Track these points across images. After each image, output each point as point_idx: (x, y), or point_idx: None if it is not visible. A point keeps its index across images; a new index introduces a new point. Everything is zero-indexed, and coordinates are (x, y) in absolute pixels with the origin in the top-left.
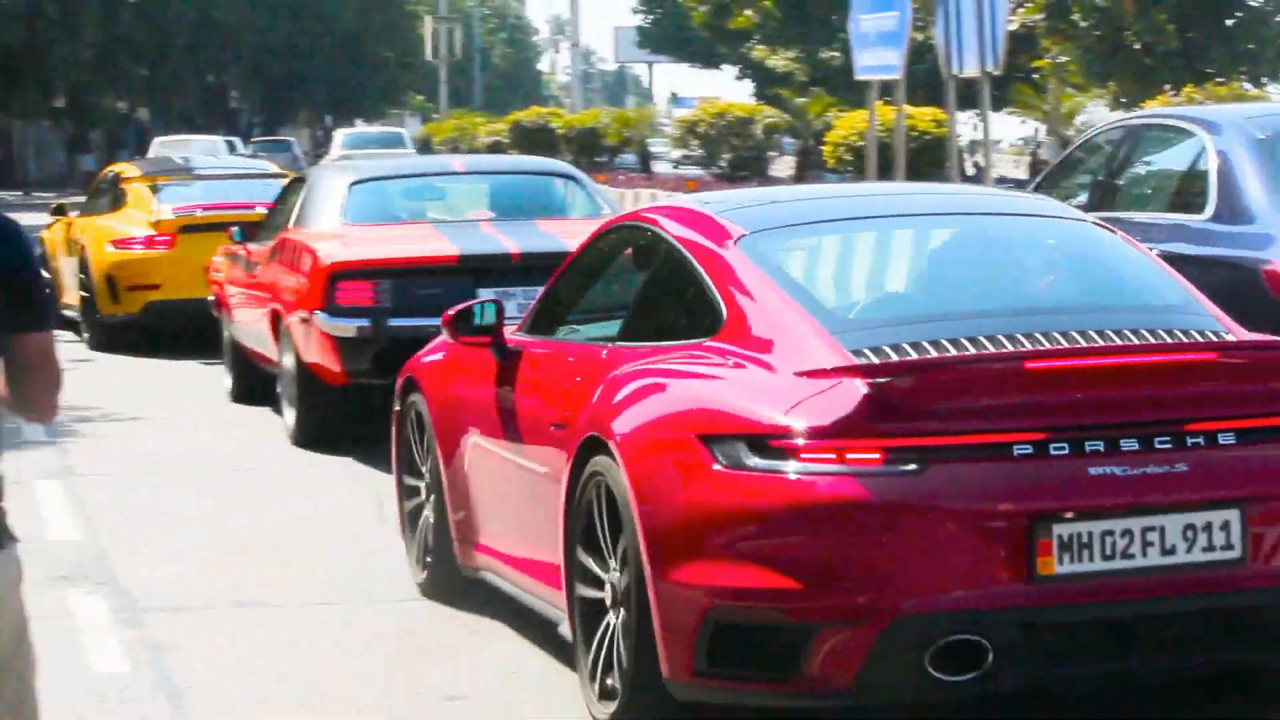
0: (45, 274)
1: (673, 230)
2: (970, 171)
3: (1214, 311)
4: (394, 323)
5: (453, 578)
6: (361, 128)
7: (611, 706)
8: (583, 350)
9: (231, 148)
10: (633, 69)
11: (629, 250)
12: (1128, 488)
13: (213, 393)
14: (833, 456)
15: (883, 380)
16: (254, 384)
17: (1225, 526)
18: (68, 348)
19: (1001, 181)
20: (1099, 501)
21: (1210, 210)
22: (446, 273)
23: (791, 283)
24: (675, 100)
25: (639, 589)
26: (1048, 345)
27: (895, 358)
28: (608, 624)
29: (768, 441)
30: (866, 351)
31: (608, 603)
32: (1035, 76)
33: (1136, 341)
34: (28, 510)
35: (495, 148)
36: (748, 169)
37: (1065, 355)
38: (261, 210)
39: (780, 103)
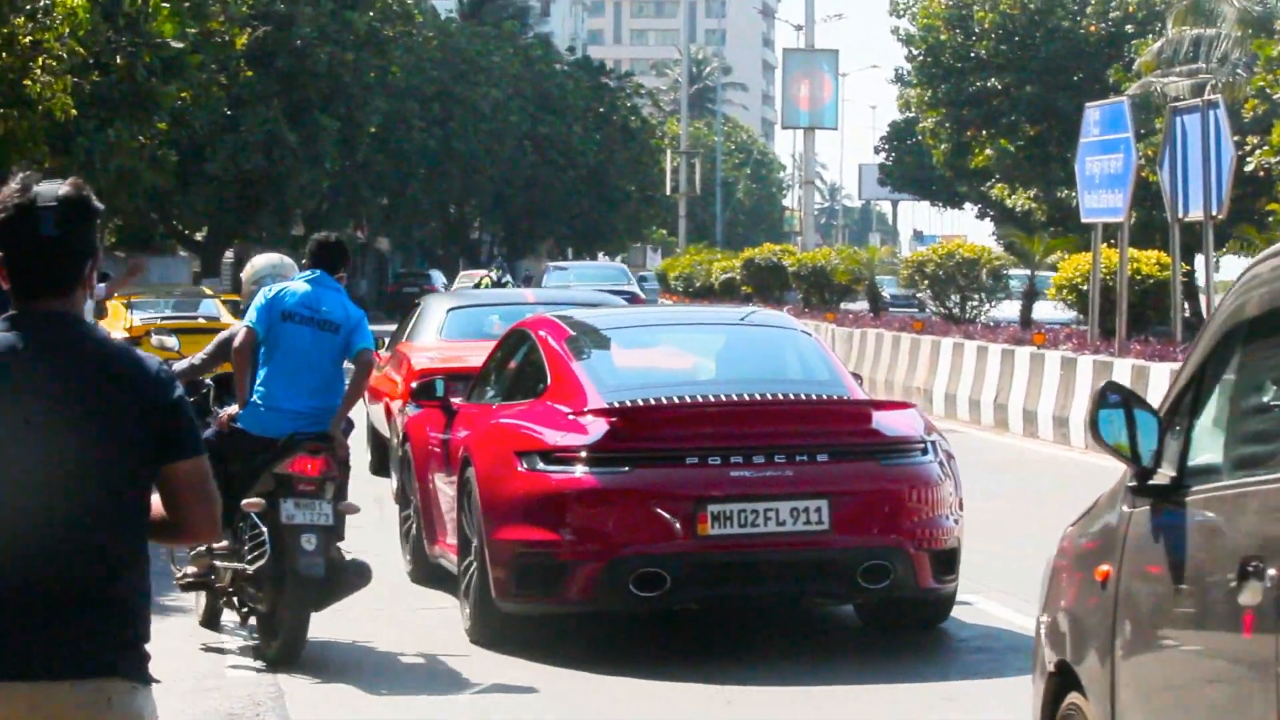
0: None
1: (535, 332)
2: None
3: (849, 384)
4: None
5: (425, 564)
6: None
7: (470, 620)
8: (483, 407)
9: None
10: (878, 206)
11: (515, 343)
12: (756, 484)
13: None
14: (584, 461)
15: (614, 418)
16: (385, 457)
17: (819, 510)
18: None
19: None
20: (737, 492)
21: None
22: None
23: (587, 363)
24: (919, 238)
25: (481, 545)
26: (718, 400)
27: (626, 405)
28: (471, 568)
29: (551, 453)
30: (614, 403)
31: (471, 556)
32: (1270, 219)
33: (769, 397)
34: (213, 647)
35: (728, 284)
36: (977, 309)
37: (720, 405)
38: (201, 320)
39: (1013, 243)
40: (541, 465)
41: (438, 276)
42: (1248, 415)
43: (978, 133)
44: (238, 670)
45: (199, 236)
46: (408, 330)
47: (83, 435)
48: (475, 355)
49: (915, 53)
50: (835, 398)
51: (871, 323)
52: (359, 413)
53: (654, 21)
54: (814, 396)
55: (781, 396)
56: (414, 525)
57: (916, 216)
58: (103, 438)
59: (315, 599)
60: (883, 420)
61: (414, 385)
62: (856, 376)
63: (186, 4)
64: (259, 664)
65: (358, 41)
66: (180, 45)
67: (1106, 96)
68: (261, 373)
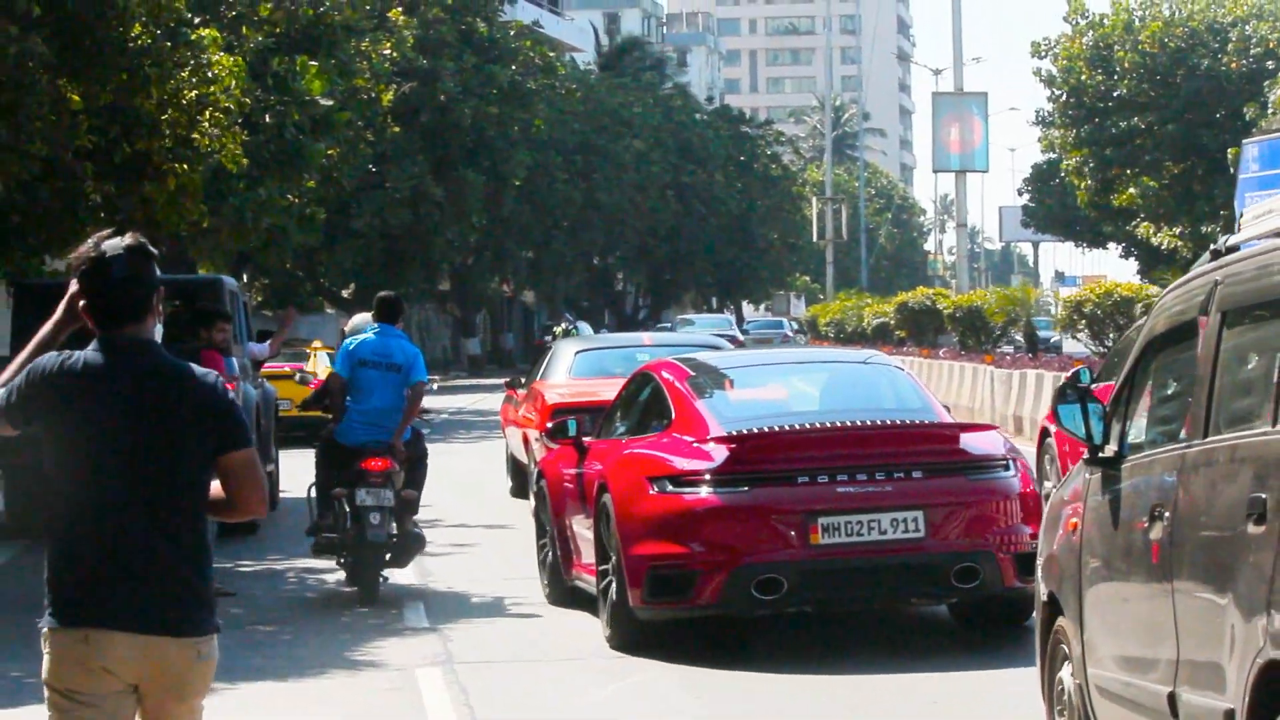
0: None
1: (658, 374)
2: None
3: (938, 410)
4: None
5: (560, 589)
6: (696, 314)
7: (609, 628)
8: (614, 441)
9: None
10: (1018, 248)
11: (640, 385)
12: (860, 499)
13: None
14: (709, 483)
15: (733, 444)
16: (524, 482)
17: (915, 520)
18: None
19: None
20: (844, 505)
21: None
22: None
23: (707, 398)
24: (1060, 279)
25: (618, 561)
26: (825, 427)
27: (744, 433)
28: (609, 582)
29: (680, 477)
30: (733, 431)
31: (609, 572)
32: None
33: (869, 423)
34: (409, 699)
35: (882, 329)
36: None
37: (827, 430)
38: (287, 368)
39: (1165, 282)
40: (671, 488)
41: (585, 328)
42: (1159, 404)
43: (1121, 171)
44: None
45: (346, 293)
46: (541, 370)
47: (154, 435)
48: (601, 390)
49: (1057, 93)
50: (927, 422)
51: (1030, 364)
52: (498, 446)
53: (789, 69)
54: (908, 421)
55: (880, 422)
56: (550, 553)
57: (1057, 257)
58: (170, 436)
59: (390, 560)
60: (969, 441)
61: (549, 426)
62: (945, 407)
63: (333, 62)
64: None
65: (501, 95)
66: (328, 103)
67: (1249, 133)
68: (348, 401)
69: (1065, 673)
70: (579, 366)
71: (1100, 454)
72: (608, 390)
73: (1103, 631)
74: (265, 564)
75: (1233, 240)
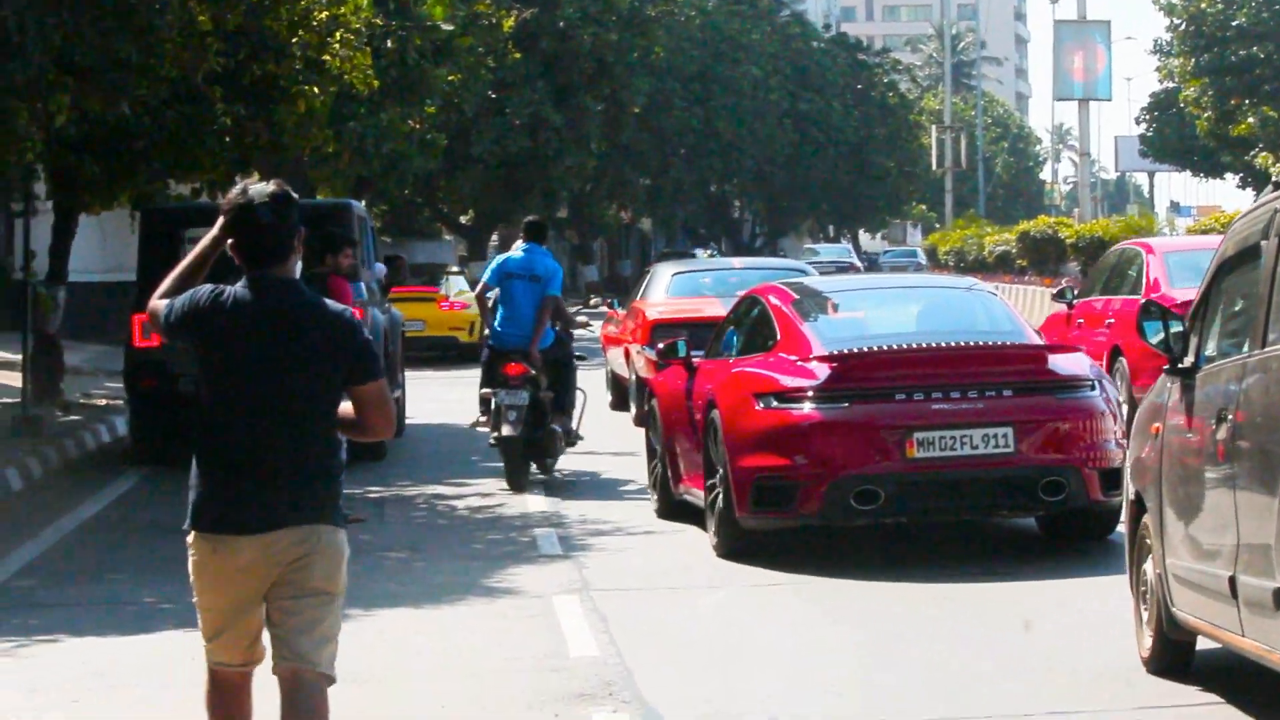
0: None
1: (765, 298)
2: None
3: (1029, 334)
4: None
5: (669, 502)
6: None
7: (716, 538)
8: (722, 361)
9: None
10: (1133, 178)
11: (748, 308)
12: (954, 415)
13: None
14: (811, 399)
15: (835, 363)
16: (623, 395)
17: (1005, 435)
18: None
19: None
20: (938, 421)
21: None
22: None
23: (810, 320)
24: (1175, 209)
25: (725, 473)
26: (921, 347)
27: (845, 352)
28: (716, 494)
29: (784, 394)
30: (834, 351)
31: (717, 484)
32: None
33: (963, 344)
34: (547, 626)
35: (1004, 258)
36: None
37: (923, 350)
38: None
39: None
40: (776, 404)
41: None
42: (1228, 319)
43: (1241, 101)
44: (580, 651)
45: (464, 219)
46: (641, 291)
47: (292, 365)
48: (698, 308)
49: (1177, 22)
50: (1017, 343)
51: None
52: (597, 370)
53: None
54: (999, 343)
55: (973, 343)
56: (660, 468)
57: (1172, 188)
58: (306, 366)
59: (534, 454)
60: (1057, 362)
61: (660, 347)
62: (1036, 331)
63: None
64: (597, 649)
65: (620, 22)
66: (450, 28)
67: None
68: (500, 309)
69: (1148, 565)
70: (675, 287)
71: (1179, 365)
72: (703, 307)
73: (1178, 525)
74: (394, 490)
75: None
